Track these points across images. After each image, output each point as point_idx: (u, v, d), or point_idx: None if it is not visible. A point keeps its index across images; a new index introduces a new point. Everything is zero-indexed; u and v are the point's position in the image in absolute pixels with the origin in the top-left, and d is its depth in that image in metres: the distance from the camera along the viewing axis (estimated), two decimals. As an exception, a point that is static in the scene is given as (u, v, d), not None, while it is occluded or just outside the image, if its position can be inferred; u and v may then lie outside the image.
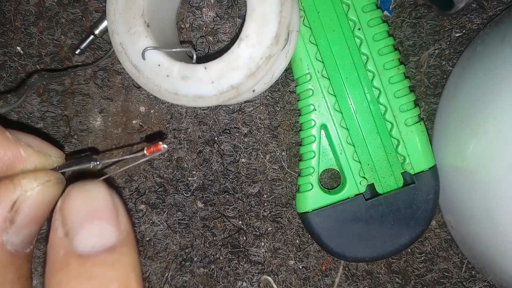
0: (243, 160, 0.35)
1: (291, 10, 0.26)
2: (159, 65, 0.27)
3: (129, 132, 0.35)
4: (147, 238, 0.36)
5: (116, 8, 0.28)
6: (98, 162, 0.25)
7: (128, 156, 0.26)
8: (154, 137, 0.35)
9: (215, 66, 0.27)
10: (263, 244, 0.35)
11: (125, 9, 0.28)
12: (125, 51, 0.28)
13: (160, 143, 0.24)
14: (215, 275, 0.35)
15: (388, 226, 0.32)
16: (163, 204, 0.35)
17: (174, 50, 0.28)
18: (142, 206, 0.36)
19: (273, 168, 0.35)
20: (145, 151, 0.25)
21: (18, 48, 0.35)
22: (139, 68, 0.28)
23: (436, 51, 0.34)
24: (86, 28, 0.35)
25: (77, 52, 0.34)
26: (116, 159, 0.27)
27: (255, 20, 0.27)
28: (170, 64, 0.27)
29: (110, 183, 0.36)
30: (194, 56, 0.28)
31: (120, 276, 0.16)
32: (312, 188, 0.32)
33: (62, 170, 0.24)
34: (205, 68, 0.27)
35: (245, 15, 0.27)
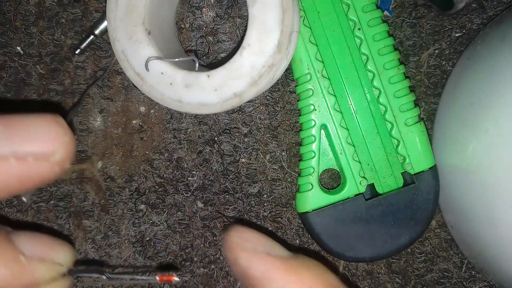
0: (243, 160, 0.35)
1: (292, 17, 0.26)
2: (162, 73, 0.27)
3: (129, 132, 0.35)
4: (147, 238, 0.36)
5: (116, 15, 0.28)
6: (106, 276, 0.25)
7: (138, 277, 0.26)
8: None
9: (218, 74, 0.27)
10: (263, 244, 0.35)
11: (125, 16, 0.28)
12: (127, 59, 0.28)
13: (174, 275, 0.26)
14: (215, 275, 0.35)
15: (388, 226, 0.32)
16: (163, 204, 0.35)
17: (177, 60, 0.28)
18: (142, 206, 0.36)
19: (273, 168, 0.35)
20: (157, 277, 0.26)
21: (18, 48, 0.35)
22: (142, 76, 0.28)
23: (436, 51, 0.34)
24: (86, 28, 0.35)
25: (77, 52, 0.34)
26: (126, 276, 0.27)
27: (256, 29, 0.27)
28: (173, 72, 0.27)
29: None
30: (197, 65, 0.28)
31: None
32: (312, 188, 0.32)
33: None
34: (208, 76, 0.27)
35: (247, 22, 0.27)
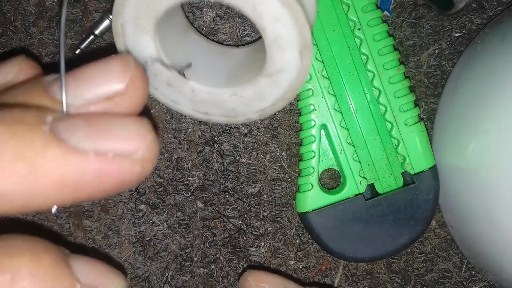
0: (243, 160, 0.35)
1: (287, 102, 0.26)
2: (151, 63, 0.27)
3: (129, 132, 0.35)
4: (147, 238, 0.36)
5: None
6: None
7: None
8: None
9: (201, 94, 0.27)
10: (263, 244, 0.35)
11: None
12: (123, 35, 0.27)
13: None
14: (215, 275, 0.35)
15: (388, 226, 0.32)
16: (163, 204, 0.35)
17: (173, 69, 0.27)
18: (142, 206, 0.36)
19: (273, 168, 0.35)
20: None
21: (18, 48, 0.35)
22: (132, 55, 0.28)
23: (436, 51, 0.34)
24: (86, 28, 0.35)
25: (77, 52, 0.34)
26: None
27: (253, 90, 0.26)
28: (161, 67, 0.27)
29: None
30: (187, 70, 0.28)
31: None
32: (312, 188, 0.32)
33: None
34: (192, 91, 0.27)
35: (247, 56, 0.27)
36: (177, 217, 0.36)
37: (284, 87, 0.26)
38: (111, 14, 0.32)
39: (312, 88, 0.32)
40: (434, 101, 0.34)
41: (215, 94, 0.27)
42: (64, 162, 0.14)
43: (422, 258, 0.35)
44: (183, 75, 0.28)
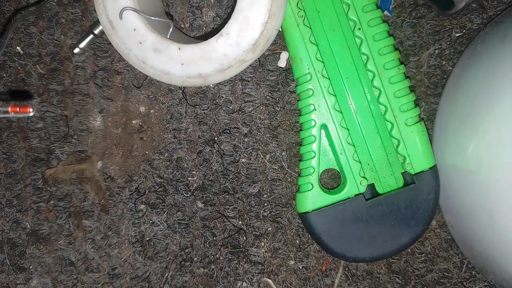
0: (243, 160, 0.35)
1: (275, 24, 0.26)
2: (134, 29, 0.27)
3: (129, 132, 0.35)
4: (147, 238, 0.36)
5: None
6: None
7: None
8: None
9: (189, 50, 0.27)
10: (263, 244, 0.35)
11: None
12: (104, 4, 0.28)
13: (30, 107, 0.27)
14: (215, 275, 0.35)
15: (388, 226, 0.32)
16: (163, 204, 0.35)
17: (153, 18, 0.28)
18: (142, 206, 0.36)
19: (273, 168, 0.35)
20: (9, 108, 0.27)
21: (18, 48, 0.35)
22: (114, 25, 0.27)
23: (436, 51, 0.34)
24: (86, 28, 0.35)
25: (76, 52, 0.34)
26: None
27: (239, 22, 0.26)
28: (145, 32, 0.27)
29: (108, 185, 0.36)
30: (170, 30, 0.28)
31: None
32: (312, 188, 0.32)
33: None
34: (179, 48, 0.27)
35: (231, 13, 0.27)
36: (177, 217, 0.35)
37: (266, 1, 0.26)
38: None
39: (313, 88, 0.31)
40: (434, 101, 0.34)
41: (202, 43, 0.27)
42: None
43: (422, 258, 0.35)
44: (170, 29, 0.28)
